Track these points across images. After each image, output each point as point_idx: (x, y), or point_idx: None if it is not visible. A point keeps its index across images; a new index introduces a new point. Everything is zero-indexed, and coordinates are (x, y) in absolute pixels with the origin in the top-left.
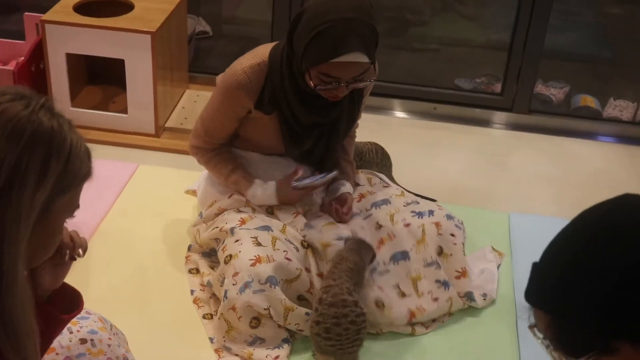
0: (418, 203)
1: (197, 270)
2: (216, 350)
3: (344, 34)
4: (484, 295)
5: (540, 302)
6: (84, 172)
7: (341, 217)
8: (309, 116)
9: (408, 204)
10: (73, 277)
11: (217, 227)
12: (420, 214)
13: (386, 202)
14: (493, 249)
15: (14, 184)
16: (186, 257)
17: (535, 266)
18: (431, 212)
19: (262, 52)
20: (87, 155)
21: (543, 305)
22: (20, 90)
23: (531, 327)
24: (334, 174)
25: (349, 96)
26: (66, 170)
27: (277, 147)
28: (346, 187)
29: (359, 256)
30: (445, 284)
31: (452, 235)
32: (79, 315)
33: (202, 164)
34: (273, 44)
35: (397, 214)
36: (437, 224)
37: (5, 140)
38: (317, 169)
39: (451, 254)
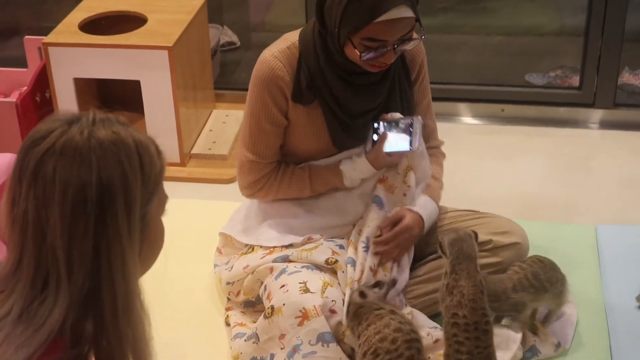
0: None
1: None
2: None
3: None
4: (558, 344)
5: None
6: (159, 167)
7: (376, 245)
8: (354, 99)
9: None
10: None
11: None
12: None
13: None
14: None
15: (106, 221)
16: (226, 309)
17: None
18: None
19: (289, 37)
20: (153, 145)
21: None
22: (66, 117)
23: None
24: (417, 118)
25: (394, 76)
26: (144, 176)
27: (329, 149)
28: (421, 201)
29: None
30: None
31: None
32: None
33: (269, 199)
34: (299, 30)
35: None
36: None
37: (78, 177)
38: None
39: None
